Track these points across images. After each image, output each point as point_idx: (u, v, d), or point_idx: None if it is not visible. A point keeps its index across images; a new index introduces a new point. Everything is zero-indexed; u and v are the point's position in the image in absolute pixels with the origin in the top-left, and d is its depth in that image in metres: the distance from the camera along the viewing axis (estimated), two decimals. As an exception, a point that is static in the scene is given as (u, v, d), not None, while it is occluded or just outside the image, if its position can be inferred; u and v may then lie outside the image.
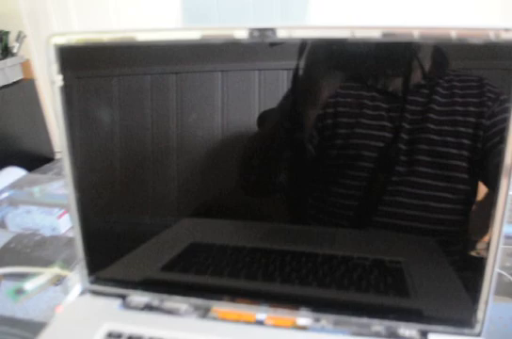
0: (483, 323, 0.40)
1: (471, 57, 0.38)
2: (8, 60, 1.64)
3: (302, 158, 0.45)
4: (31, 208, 0.71)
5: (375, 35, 0.35)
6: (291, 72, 0.41)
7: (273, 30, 0.36)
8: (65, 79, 0.43)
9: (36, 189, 0.77)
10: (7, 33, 1.66)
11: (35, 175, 0.85)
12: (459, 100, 0.42)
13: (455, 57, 0.39)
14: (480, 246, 0.47)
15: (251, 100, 0.43)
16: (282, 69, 0.41)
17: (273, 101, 0.42)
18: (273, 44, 0.39)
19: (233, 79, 0.43)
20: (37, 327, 0.48)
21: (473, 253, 0.47)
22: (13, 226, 0.69)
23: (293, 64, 0.40)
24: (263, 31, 0.36)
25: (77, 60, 0.44)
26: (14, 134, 1.65)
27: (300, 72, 0.40)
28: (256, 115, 0.43)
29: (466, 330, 0.41)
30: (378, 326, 0.42)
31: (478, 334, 0.40)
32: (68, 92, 0.44)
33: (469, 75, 0.42)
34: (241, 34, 0.37)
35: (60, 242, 0.64)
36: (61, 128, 0.44)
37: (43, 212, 0.69)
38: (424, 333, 0.41)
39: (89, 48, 0.43)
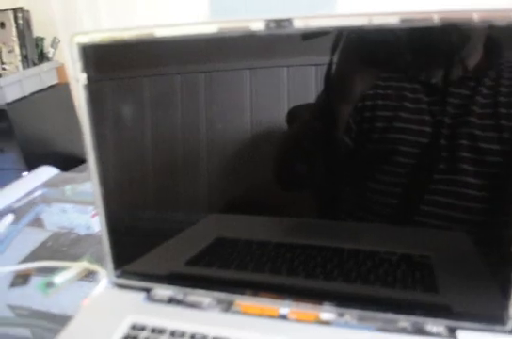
0: (516, 320, 0.39)
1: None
2: (44, 65, 1.70)
3: (339, 151, 0.44)
4: (66, 207, 0.72)
5: (392, 21, 0.34)
6: (319, 68, 0.40)
7: (289, 21, 0.35)
8: (89, 78, 0.44)
9: (68, 188, 0.79)
10: (42, 39, 1.72)
11: (67, 174, 0.87)
12: (504, 90, 0.39)
13: (509, 46, 0.36)
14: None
15: (280, 96, 0.42)
16: (311, 64, 0.40)
17: (302, 97, 0.42)
18: (306, 38, 0.38)
19: (262, 76, 0.42)
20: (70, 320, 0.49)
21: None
22: (50, 225, 0.70)
23: (322, 59, 0.39)
24: (279, 22, 0.36)
25: (101, 59, 0.44)
26: (50, 136, 1.70)
27: (336, 65, 0.39)
28: (285, 111, 0.42)
29: (497, 327, 0.39)
30: (405, 322, 0.40)
31: (510, 332, 0.39)
32: (92, 90, 0.44)
33: None
34: (257, 26, 0.36)
35: (94, 240, 0.65)
36: (85, 125, 0.45)
37: (78, 211, 0.71)
38: (452, 330, 0.39)
39: (113, 47, 0.43)
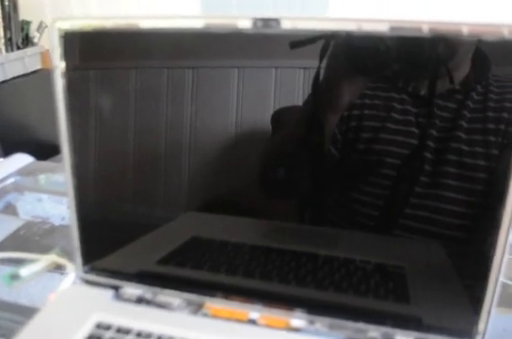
0: (484, 335, 0.39)
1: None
2: (29, 50, 1.66)
3: (324, 161, 0.44)
4: (42, 196, 0.71)
5: (382, 28, 0.33)
6: (308, 71, 0.39)
7: (277, 21, 0.34)
8: (68, 65, 0.42)
9: (42, 177, 0.77)
10: (28, 23, 1.68)
11: (42, 163, 0.85)
12: (493, 105, 0.39)
13: (498, 61, 0.36)
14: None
15: (267, 97, 0.42)
16: (300, 67, 0.40)
17: (289, 99, 0.41)
18: (294, 46, 0.37)
19: (250, 76, 0.42)
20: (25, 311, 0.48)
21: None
22: (24, 213, 0.69)
23: (311, 63, 0.38)
24: (266, 21, 0.35)
25: (83, 47, 0.43)
26: (29, 123, 1.66)
27: (323, 72, 0.38)
28: (271, 113, 0.42)
29: (465, 341, 0.39)
30: (375, 332, 0.40)
31: (478, 346, 0.39)
32: (70, 79, 0.43)
33: (510, 80, 0.38)
34: (244, 24, 0.36)
35: (69, 231, 0.64)
36: (60, 114, 0.43)
37: (54, 201, 0.69)
38: (421, 342, 0.39)
39: (95, 35, 0.42)
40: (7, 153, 0.92)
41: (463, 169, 0.40)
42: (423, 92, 0.40)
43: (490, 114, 0.39)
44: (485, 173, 0.40)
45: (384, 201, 0.43)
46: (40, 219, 0.67)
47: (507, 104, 0.38)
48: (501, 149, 0.39)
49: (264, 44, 0.40)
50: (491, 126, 0.39)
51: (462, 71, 0.38)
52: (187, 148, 0.47)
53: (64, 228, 0.65)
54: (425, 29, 0.33)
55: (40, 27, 1.67)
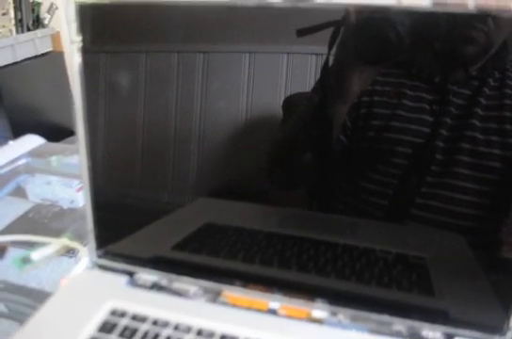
0: (515, 331, 0.37)
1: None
2: (39, 31, 1.63)
3: (334, 149, 0.42)
4: (51, 179, 0.70)
5: (424, 3, 0.31)
6: (320, 57, 0.38)
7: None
8: (84, 41, 0.40)
9: (53, 158, 0.76)
10: (39, 4, 1.65)
11: (53, 145, 0.83)
12: (510, 92, 0.37)
13: None
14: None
15: (278, 83, 0.40)
16: (312, 53, 0.38)
17: (300, 85, 0.40)
18: (301, 34, 0.36)
19: (261, 62, 0.41)
20: (47, 297, 0.47)
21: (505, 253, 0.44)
22: (33, 196, 0.68)
23: (324, 49, 0.37)
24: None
25: (99, 22, 0.41)
26: (40, 105, 1.65)
27: (333, 60, 0.37)
28: (282, 99, 0.41)
29: (495, 338, 0.37)
30: (400, 325, 0.38)
31: (509, 342, 0.37)
32: (87, 55, 0.41)
33: None
34: (277, -4, 0.33)
35: (78, 215, 0.63)
36: (76, 92, 0.41)
37: (63, 184, 0.68)
38: (449, 337, 0.37)
39: (112, 8, 0.40)
40: (17, 136, 0.91)
41: (477, 159, 0.39)
42: (437, 79, 0.38)
43: (507, 101, 0.38)
44: (500, 163, 0.38)
45: (395, 191, 0.42)
46: (48, 202, 0.67)
47: None
48: None
49: (275, 29, 0.38)
50: (508, 114, 0.37)
51: (479, 57, 0.37)
52: (199, 133, 0.46)
53: (72, 211, 0.64)
54: (471, 5, 0.30)
55: (51, 9, 1.65)
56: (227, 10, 0.38)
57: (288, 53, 0.40)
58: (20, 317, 0.45)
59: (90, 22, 0.41)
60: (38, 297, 0.47)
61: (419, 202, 0.41)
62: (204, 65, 0.43)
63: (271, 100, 0.42)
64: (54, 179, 0.69)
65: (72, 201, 0.66)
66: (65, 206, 0.66)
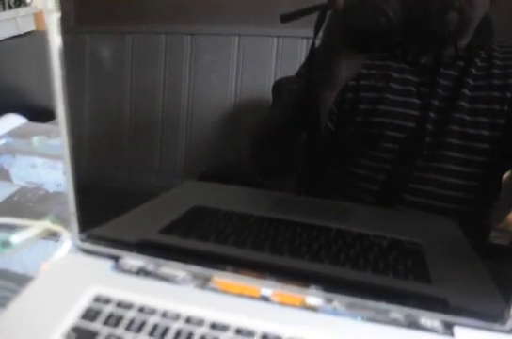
0: (516, 319, 0.36)
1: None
2: (21, 10, 1.58)
3: (319, 135, 0.41)
4: (36, 162, 0.67)
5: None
6: (309, 41, 0.36)
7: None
8: (68, 18, 0.38)
9: (35, 139, 0.73)
10: (21, -19, 1.59)
11: (36, 125, 0.80)
12: (497, 71, 0.37)
13: (503, 27, 0.34)
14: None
15: (267, 67, 0.39)
16: (302, 37, 0.37)
17: (290, 69, 0.39)
18: (285, 19, 0.34)
19: (250, 44, 0.40)
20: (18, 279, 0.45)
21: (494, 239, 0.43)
22: (17, 179, 0.66)
23: (311, 32, 0.36)
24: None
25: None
26: (22, 85, 1.60)
27: (319, 46, 0.36)
28: (271, 82, 0.40)
29: (496, 326, 0.36)
30: (397, 313, 0.37)
31: (510, 331, 0.36)
32: (70, 34, 0.39)
33: None
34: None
35: (64, 198, 0.60)
36: (55, 68, 0.39)
37: (48, 167, 0.67)
38: (448, 325, 0.36)
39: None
40: (-1, 116, 0.88)
41: (466, 141, 0.38)
42: (423, 60, 0.38)
43: (495, 81, 0.37)
44: (489, 144, 0.38)
45: (386, 175, 0.41)
46: (34, 185, 0.65)
47: None
48: (508, 118, 0.37)
49: (265, 12, 0.37)
50: (497, 94, 0.37)
51: (465, 37, 0.36)
52: (187, 116, 0.45)
53: (58, 195, 0.63)
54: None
55: (34, -14, 1.59)
56: None
57: (278, 36, 0.38)
58: (2, 302, 0.43)
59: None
60: (21, 281, 0.45)
61: (410, 187, 0.40)
62: (192, 47, 0.41)
63: (260, 83, 0.40)
64: (39, 162, 0.66)
65: (59, 185, 0.65)
66: (51, 190, 0.64)
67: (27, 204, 0.59)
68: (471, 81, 0.37)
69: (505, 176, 0.42)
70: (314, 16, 0.34)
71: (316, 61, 0.36)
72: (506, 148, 0.38)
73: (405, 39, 0.35)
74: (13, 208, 0.58)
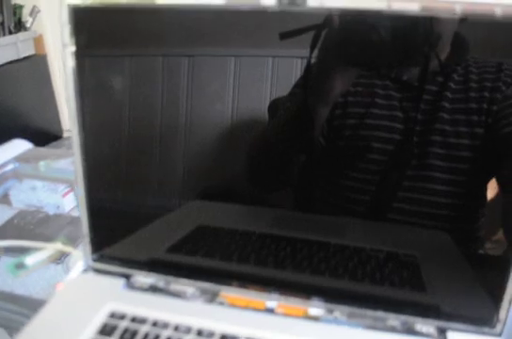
0: (505, 323, 0.38)
1: (492, 43, 0.36)
2: (21, 34, 1.61)
3: (312, 150, 0.43)
4: (36, 184, 0.69)
5: (413, 8, 0.32)
6: (304, 61, 0.39)
7: (304, -2, 0.33)
8: (78, 44, 0.41)
9: (42, 163, 0.75)
10: (21, 7, 1.63)
11: (41, 149, 0.83)
12: (474, 85, 0.40)
13: (476, 43, 0.36)
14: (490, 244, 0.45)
15: (263, 87, 0.41)
16: (297, 57, 0.39)
17: (286, 88, 0.41)
18: (284, 37, 0.37)
19: (247, 65, 0.41)
20: (35, 304, 0.47)
21: (489, 250, 0.45)
22: (17, 202, 0.67)
23: (306, 52, 0.38)
24: None
25: (93, 25, 0.41)
26: (22, 109, 1.63)
27: (314, 63, 0.38)
28: (268, 101, 0.41)
29: (486, 330, 0.38)
30: (394, 320, 0.39)
31: (499, 334, 0.38)
32: (80, 59, 0.41)
33: (488, 61, 0.40)
34: (269, 0, 0.34)
35: (64, 220, 0.62)
36: (70, 95, 0.41)
37: (48, 189, 0.68)
38: (442, 331, 0.39)
39: (106, 12, 0.40)
40: (1, 141, 0.90)
41: (449, 150, 0.41)
42: (405, 77, 0.40)
43: (472, 94, 0.40)
44: (470, 152, 0.40)
45: (375, 186, 0.43)
46: (33, 208, 0.66)
47: (488, 84, 0.39)
48: (485, 128, 0.39)
49: (260, 33, 0.39)
50: (474, 106, 0.39)
51: (443, 53, 0.38)
52: (186, 137, 0.46)
53: (58, 217, 0.64)
54: (458, 9, 0.31)
55: (33, 12, 1.63)
56: (212, 14, 0.38)
57: (273, 56, 0.40)
58: (6, 323, 0.45)
59: (81, 25, 0.41)
60: (33, 304, 0.47)
61: (400, 195, 0.43)
62: (189, 68, 0.43)
63: (257, 103, 0.42)
64: (39, 184, 0.68)
65: (58, 207, 0.65)
66: (51, 212, 0.65)
67: (28, 227, 0.60)
68: (449, 94, 0.40)
69: (495, 188, 0.45)
70: (309, 36, 0.36)
71: (311, 78, 0.39)
72: (487, 156, 0.41)
73: (391, 56, 0.38)
74: (14, 231, 0.59)
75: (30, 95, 1.62)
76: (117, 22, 0.42)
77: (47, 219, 0.63)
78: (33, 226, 0.61)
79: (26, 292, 0.49)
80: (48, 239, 0.57)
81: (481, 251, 0.47)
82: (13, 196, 0.68)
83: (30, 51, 1.65)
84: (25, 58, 1.62)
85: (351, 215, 0.46)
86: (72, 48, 0.40)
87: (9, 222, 0.62)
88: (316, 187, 0.46)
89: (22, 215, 0.64)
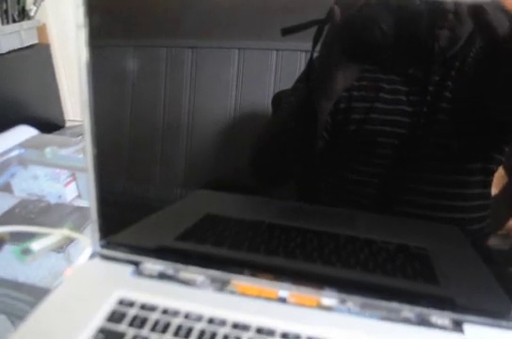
0: (522, 315, 0.37)
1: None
2: (25, 23, 1.60)
3: (316, 145, 0.43)
4: (38, 173, 0.68)
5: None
6: (308, 54, 0.38)
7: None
8: (92, 27, 0.40)
9: (48, 150, 0.74)
10: (24, -5, 1.62)
11: (47, 136, 0.81)
12: (474, 71, 0.39)
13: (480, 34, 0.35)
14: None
15: (267, 79, 0.41)
16: (301, 50, 0.39)
17: (289, 81, 0.40)
18: (286, 33, 0.36)
19: (250, 58, 0.41)
20: (39, 292, 0.46)
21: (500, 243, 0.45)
22: (19, 191, 0.67)
23: (310, 46, 0.37)
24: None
25: (106, 9, 0.40)
26: (25, 98, 1.61)
27: (317, 58, 0.38)
28: (271, 94, 0.41)
29: (504, 323, 0.38)
30: (409, 312, 0.39)
31: (518, 327, 0.37)
32: (94, 42, 0.40)
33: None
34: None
35: (65, 210, 0.62)
36: (83, 79, 0.40)
37: (50, 178, 0.67)
38: (458, 323, 0.38)
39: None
40: (2, 129, 0.89)
41: (453, 139, 0.40)
42: (411, 70, 0.40)
43: (474, 80, 0.39)
44: (476, 140, 0.40)
45: (382, 180, 0.43)
46: (35, 197, 0.65)
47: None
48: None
49: (265, 26, 0.39)
50: (477, 92, 0.39)
51: (448, 44, 0.38)
52: (195, 127, 0.46)
53: (60, 206, 0.63)
54: None
55: (37, 0, 1.61)
56: (217, 6, 0.38)
57: (277, 49, 0.40)
58: (8, 310, 0.44)
59: (98, 7, 0.40)
60: (37, 292, 0.46)
61: (406, 188, 0.42)
62: (193, 60, 0.43)
63: (260, 96, 0.42)
64: (41, 173, 0.67)
65: (60, 196, 0.65)
66: (52, 201, 0.64)
67: (29, 216, 0.60)
68: (450, 83, 0.39)
69: (502, 182, 0.44)
70: (313, 30, 0.36)
71: (314, 73, 0.38)
72: (492, 143, 0.40)
73: (396, 50, 0.37)
74: (15, 220, 0.58)
75: (33, 84, 1.61)
76: (122, 12, 0.42)
77: (49, 208, 0.62)
78: (34, 215, 0.60)
79: (29, 280, 0.48)
80: (56, 226, 0.56)
81: (492, 244, 0.46)
82: (15, 184, 0.67)
83: (34, 40, 1.63)
84: (29, 47, 1.61)
85: (359, 207, 0.46)
86: (86, 29, 0.39)
87: (11, 211, 0.61)
88: (322, 181, 0.45)
89: (23, 204, 0.63)
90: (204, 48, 0.42)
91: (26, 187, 0.66)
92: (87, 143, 0.41)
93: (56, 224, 0.57)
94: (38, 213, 0.61)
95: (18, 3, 1.60)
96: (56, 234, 0.51)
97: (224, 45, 0.41)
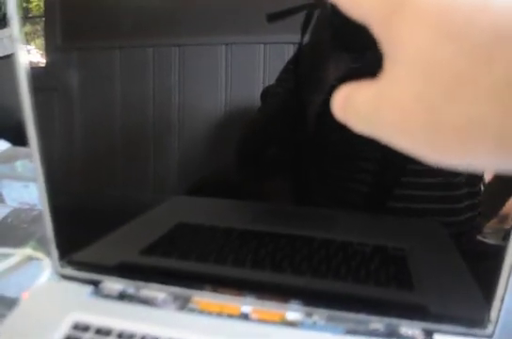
0: (496, 323, 0.36)
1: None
2: (6, 30, 1.58)
3: (305, 138, 0.41)
4: (29, 183, 0.67)
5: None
6: (296, 46, 0.36)
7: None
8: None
9: (18, 164, 0.73)
10: (5, 2, 1.60)
11: (19, 149, 0.80)
12: None
13: None
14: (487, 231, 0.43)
15: (256, 74, 0.40)
16: (289, 43, 0.37)
17: (277, 76, 0.39)
18: (272, 19, 0.34)
19: (238, 53, 0.40)
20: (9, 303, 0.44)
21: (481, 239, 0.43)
22: (10, 200, 0.67)
23: (299, 38, 0.36)
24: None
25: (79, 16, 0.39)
26: (5, 108, 1.60)
27: (304, 44, 0.36)
28: (260, 89, 0.39)
29: (477, 331, 0.36)
30: (378, 323, 0.37)
31: (490, 336, 0.36)
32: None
33: None
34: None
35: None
36: (25, 94, 0.39)
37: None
38: (428, 333, 0.36)
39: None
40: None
41: None
42: None
43: None
44: None
45: (372, 177, 0.41)
46: (27, 206, 0.65)
47: None
48: None
49: (250, 20, 0.37)
50: None
51: None
52: (171, 128, 0.44)
53: None
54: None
55: (17, 7, 1.60)
56: (201, 2, 0.37)
57: (264, 43, 0.38)
58: None
59: (60, 17, 0.38)
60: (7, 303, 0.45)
61: (402, 180, 0.41)
62: (180, 58, 0.41)
63: (249, 91, 0.41)
64: (31, 182, 0.66)
65: None
66: (44, 209, 0.64)
67: (22, 226, 0.60)
68: None
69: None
70: (300, 20, 0.34)
71: (302, 63, 0.36)
72: None
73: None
74: (9, 231, 0.58)
75: (14, 93, 1.59)
76: (102, 12, 0.41)
77: (41, 217, 0.61)
78: (27, 225, 0.60)
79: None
80: (41, 238, 0.55)
81: (479, 244, 0.45)
82: (6, 194, 0.67)
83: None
84: (10, 56, 1.60)
85: (344, 207, 0.44)
86: (22, 41, 0.37)
87: (4, 221, 0.61)
88: (309, 178, 0.43)
89: (16, 213, 0.63)
90: (191, 45, 0.41)
91: (18, 196, 0.66)
92: (34, 158, 0.39)
93: (32, 239, 0.56)
94: (30, 222, 0.61)
95: (0, 10, 1.58)
96: (18, 255, 0.50)
97: (211, 42, 0.40)
